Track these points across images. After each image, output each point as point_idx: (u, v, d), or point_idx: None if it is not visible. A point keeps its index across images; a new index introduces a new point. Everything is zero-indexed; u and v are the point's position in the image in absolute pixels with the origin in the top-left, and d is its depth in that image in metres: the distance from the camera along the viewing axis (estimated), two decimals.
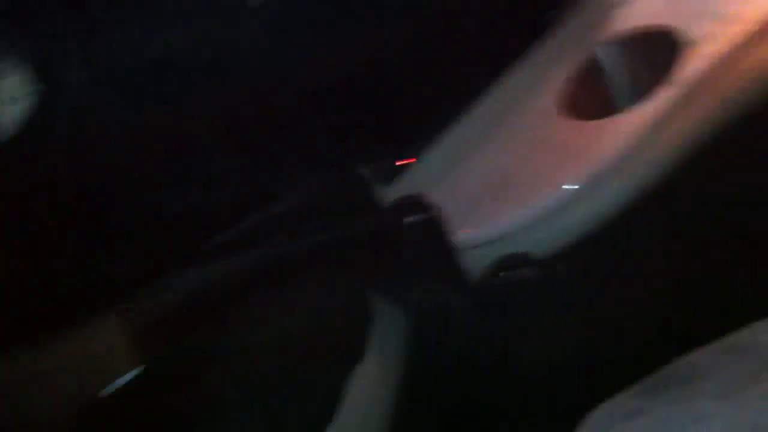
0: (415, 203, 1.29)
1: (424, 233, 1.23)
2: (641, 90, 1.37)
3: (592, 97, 1.48)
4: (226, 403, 1.00)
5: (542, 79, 1.47)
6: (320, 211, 1.11)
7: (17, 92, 0.99)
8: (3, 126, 1.00)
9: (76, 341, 0.96)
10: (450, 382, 1.22)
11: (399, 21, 1.33)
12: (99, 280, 1.06)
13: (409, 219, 1.23)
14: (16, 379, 0.92)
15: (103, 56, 1.00)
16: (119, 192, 1.08)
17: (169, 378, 0.99)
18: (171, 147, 1.10)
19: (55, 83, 1.00)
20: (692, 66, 1.33)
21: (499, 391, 1.22)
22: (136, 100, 1.04)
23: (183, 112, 1.10)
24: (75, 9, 1.01)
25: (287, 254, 1.06)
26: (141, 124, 1.05)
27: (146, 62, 1.02)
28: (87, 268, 1.05)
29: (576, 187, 1.28)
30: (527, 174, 1.36)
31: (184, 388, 1.00)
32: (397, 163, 1.40)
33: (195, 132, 1.11)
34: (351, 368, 1.12)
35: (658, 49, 1.42)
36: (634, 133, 1.30)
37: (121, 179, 1.08)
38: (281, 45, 1.18)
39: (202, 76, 1.10)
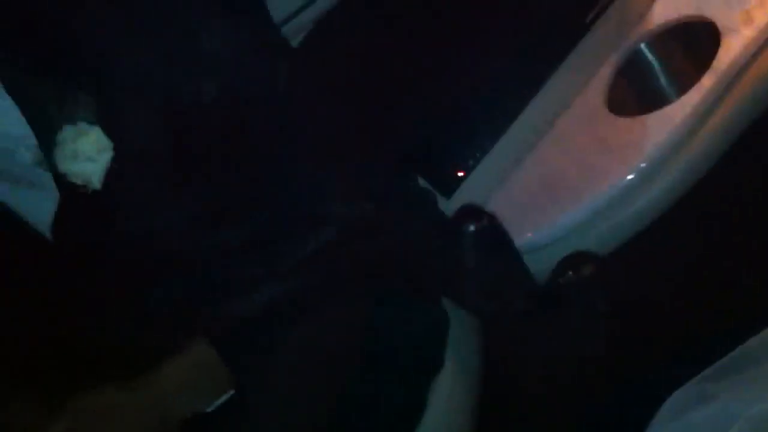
0: (474, 212, 1.33)
1: (487, 241, 1.27)
2: (684, 81, 1.40)
3: (637, 92, 1.51)
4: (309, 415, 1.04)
5: (588, 77, 1.50)
6: (386, 226, 1.14)
7: (94, 151, 1.03)
8: (86, 182, 1.04)
9: (178, 366, 1.01)
10: (525, 386, 1.25)
11: (446, 30, 1.36)
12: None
13: (471, 228, 1.27)
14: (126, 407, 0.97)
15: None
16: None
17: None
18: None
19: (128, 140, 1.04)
20: (733, 54, 1.36)
21: (575, 392, 1.25)
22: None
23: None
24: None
25: (360, 266, 1.10)
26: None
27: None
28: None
29: (629, 182, 1.32)
30: (580, 173, 1.39)
31: (272, 404, 1.04)
32: (456, 174, 1.44)
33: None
34: (431, 379, 1.16)
35: (698, 39, 1.44)
36: (682, 125, 1.33)
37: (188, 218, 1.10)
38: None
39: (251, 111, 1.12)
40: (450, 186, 1.46)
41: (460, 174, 1.47)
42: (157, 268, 1.10)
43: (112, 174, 1.03)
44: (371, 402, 1.06)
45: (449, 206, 1.44)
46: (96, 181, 1.04)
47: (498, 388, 1.34)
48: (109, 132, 1.03)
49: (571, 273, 1.31)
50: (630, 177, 1.33)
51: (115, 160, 1.04)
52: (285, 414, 1.02)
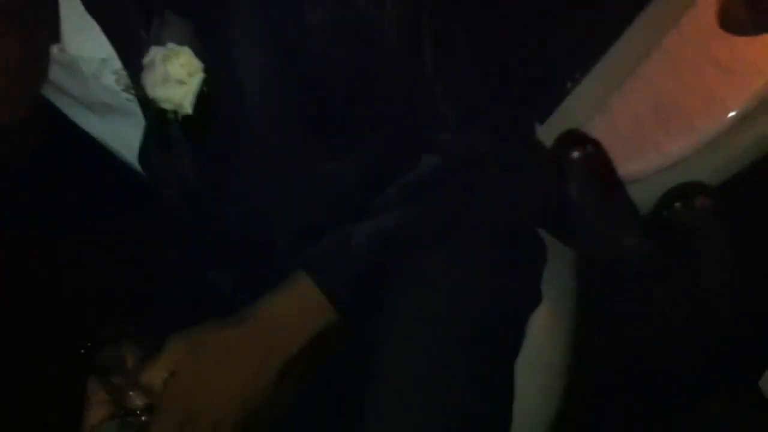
0: (577, 138, 1.25)
1: (590, 169, 1.21)
2: None
3: (751, 9, 1.40)
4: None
5: None
6: (483, 160, 1.08)
7: (185, 74, 0.98)
8: (176, 107, 1.00)
9: (280, 299, 0.97)
10: (628, 326, 1.20)
11: None
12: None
13: (575, 154, 1.20)
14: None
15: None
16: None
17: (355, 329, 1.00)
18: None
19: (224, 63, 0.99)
20: None
21: (682, 333, 1.20)
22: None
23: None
24: None
25: (460, 201, 1.04)
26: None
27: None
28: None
29: (750, 106, 1.23)
30: (691, 98, 1.31)
31: (366, 346, 1.00)
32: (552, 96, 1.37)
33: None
34: (529, 312, 1.12)
35: None
36: None
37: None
38: None
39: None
40: (545, 110, 1.39)
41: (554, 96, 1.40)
42: (264, 207, 1.06)
43: (207, 100, 0.98)
44: (480, 337, 1.01)
45: (542, 132, 1.37)
46: (187, 105, 0.99)
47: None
48: (206, 55, 0.98)
49: (679, 204, 1.23)
50: (751, 101, 1.24)
51: (208, 83, 0.99)
52: (398, 357, 0.98)
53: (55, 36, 0.96)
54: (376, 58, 1.01)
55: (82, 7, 0.96)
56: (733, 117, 1.24)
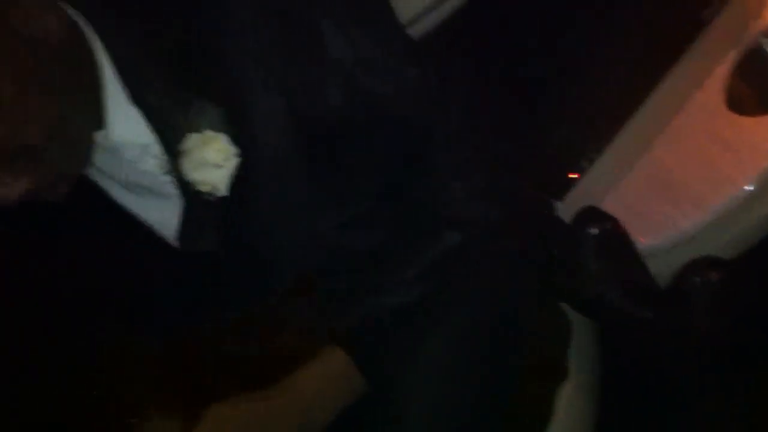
0: (594, 214, 1.29)
1: (608, 244, 1.24)
2: None
3: (758, 90, 1.46)
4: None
5: (705, 74, 1.45)
6: (505, 233, 1.12)
7: (220, 158, 1.02)
8: (213, 189, 1.04)
9: (314, 373, 1.00)
10: (650, 391, 1.22)
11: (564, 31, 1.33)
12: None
13: (592, 231, 1.24)
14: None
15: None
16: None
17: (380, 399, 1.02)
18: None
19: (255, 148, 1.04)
20: None
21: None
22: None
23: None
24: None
25: (485, 270, 1.08)
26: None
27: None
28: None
29: (758, 184, 1.27)
30: (701, 174, 1.35)
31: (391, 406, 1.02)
32: (569, 176, 1.41)
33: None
34: (557, 386, 1.14)
35: None
36: None
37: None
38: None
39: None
40: (562, 189, 1.43)
41: (573, 176, 1.44)
42: (284, 273, 1.09)
43: (241, 180, 1.03)
44: (505, 411, 1.03)
45: (560, 210, 1.41)
46: (223, 187, 1.03)
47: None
48: (237, 139, 1.02)
49: (697, 279, 1.26)
50: (753, 179, 1.28)
51: (242, 166, 1.03)
52: (420, 420, 1.01)
53: (99, 123, 1.01)
54: (393, 132, 1.06)
55: (124, 96, 1.01)
56: (741, 194, 1.28)
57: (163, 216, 1.09)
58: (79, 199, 1.03)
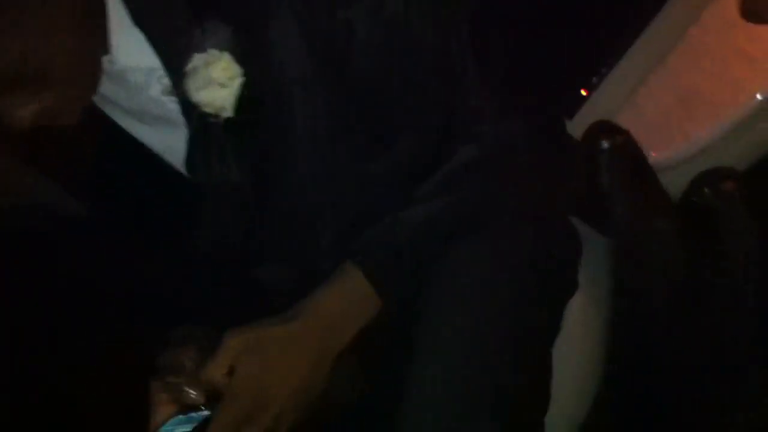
0: (606, 128, 1.28)
1: (621, 158, 1.23)
2: None
3: None
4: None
5: None
6: (519, 149, 1.11)
7: (225, 77, 1.01)
8: (218, 110, 1.04)
9: (331, 294, 1.00)
10: (662, 311, 1.22)
11: None
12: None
13: (604, 144, 1.23)
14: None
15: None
16: None
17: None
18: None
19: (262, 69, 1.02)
20: None
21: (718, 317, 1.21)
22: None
23: None
24: None
25: (498, 189, 1.07)
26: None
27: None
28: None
29: None
30: (716, 86, 1.33)
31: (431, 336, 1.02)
32: (582, 92, 1.39)
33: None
34: (566, 302, 1.14)
35: None
36: None
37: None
38: None
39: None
40: (573, 105, 1.42)
41: (584, 92, 1.42)
42: (306, 207, 1.10)
43: (248, 103, 1.02)
44: (517, 320, 1.03)
45: (571, 127, 1.39)
46: (228, 107, 1.03)
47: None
48: (245, 58, 1.01)
49: (707, 190, 1.25)
50: None
51: (253, 86, 1.02)
52: (446, 346, 1.01)
53: (105, 47, 1.00)
54: (412, 57, 1.04)
55: (128, 20, 1.01)
56: (757, 103, 1.26)
57: (172, 143, 1.09)
58: (88, 129, 1.04)
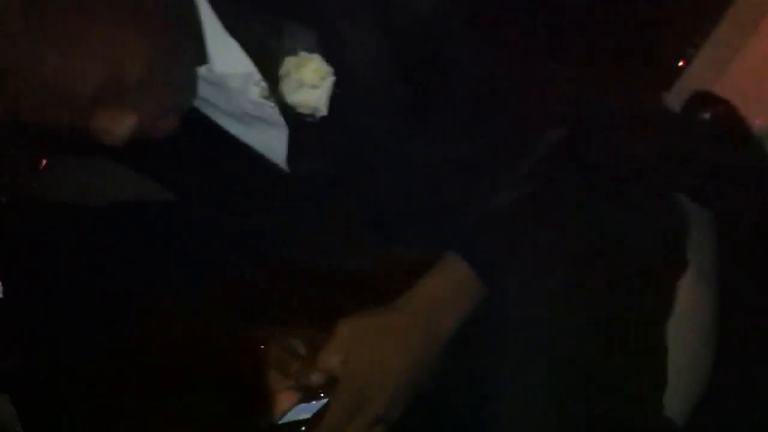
0: (706, 98, 1.24)
1: (723, 128, 1.19)
2: None
3: None
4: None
5: None
6: (613, 127, 1.08)
7: (317, 78, 1.03)
8: (313, 110, 1.05)
9: (435, 282, 1.01)
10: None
11: None
12: None
13: (705, 115, 1.19)
14: None
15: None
16: None
17: None
18: None
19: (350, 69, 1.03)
20: None
21: None
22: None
23: None
24: None
25: (594, 164, 1.05)
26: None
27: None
28: None
29: None
30: None
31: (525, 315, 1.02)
32: (678, 63, 1.36)
33: None
34: (677, 280, 1.11)
35: None
36: None
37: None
38: None
39: None
40: (670, 77, 1.38)
41: (681, 63, 1.38)
42: (387, 195, 1.11)
43: (339, 100, 1.03)
44: (620, 308, 1.01)
45: (669, 100, 1.36)
46: (323, 107, 1.04)
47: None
48: (330, 58, 1.03)
49: None
50: None
51: (338, 84, 1.04)
52: (536, 324, 1.00)
53: (202, 56, 1.03)
54: (492, 43, 1.03)
55: (221, 28, 1.03)
56: None
57: (272, 143, 1.11)
58: (191, 132, 1.06)
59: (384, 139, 1.08)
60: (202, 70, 1.03)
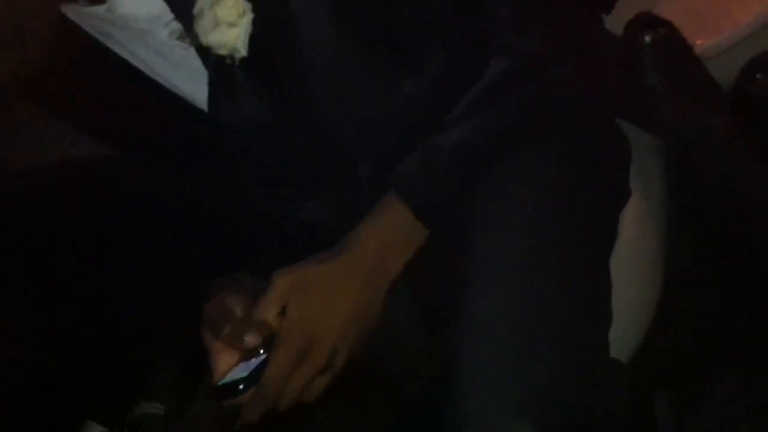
0: (646, 20, 1.20)
1: (665, 50, 1.15)
2: None
3: None
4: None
5: None
6: (553, 55, 1.04)
7: (233, 16, 0.98)
8: (231, 51, 1.00)
9: (376, 226, 0.98)
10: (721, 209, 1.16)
11: None
12: None
13: (646, 38, 1.15)
14: None
15: None
16: None
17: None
18: None
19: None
20: None
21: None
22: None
23: None
24: None
25: (535, 100, 1.01)
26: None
27: None
28: None
29: None
30: None
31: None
32: None
33: None
34: (619, 207, 1.08)
35: None
36: None
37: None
38: None
39: None
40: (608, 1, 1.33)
41: None
42: (338, 137, 1.07)
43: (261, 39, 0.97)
44: (570, 235, 0.99)
45: (610, 23, 1.32)
46: (241, 46, 1.00)
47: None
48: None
49: (760, 76, 1.18)
50: None
51: (258, 22, 0.98)
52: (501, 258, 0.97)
53: None
54: None
55: None
56: None
57: (195, 88, 1.06)
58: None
59: (323, 78, 1.03)
60: (100, 10, 0.97)
